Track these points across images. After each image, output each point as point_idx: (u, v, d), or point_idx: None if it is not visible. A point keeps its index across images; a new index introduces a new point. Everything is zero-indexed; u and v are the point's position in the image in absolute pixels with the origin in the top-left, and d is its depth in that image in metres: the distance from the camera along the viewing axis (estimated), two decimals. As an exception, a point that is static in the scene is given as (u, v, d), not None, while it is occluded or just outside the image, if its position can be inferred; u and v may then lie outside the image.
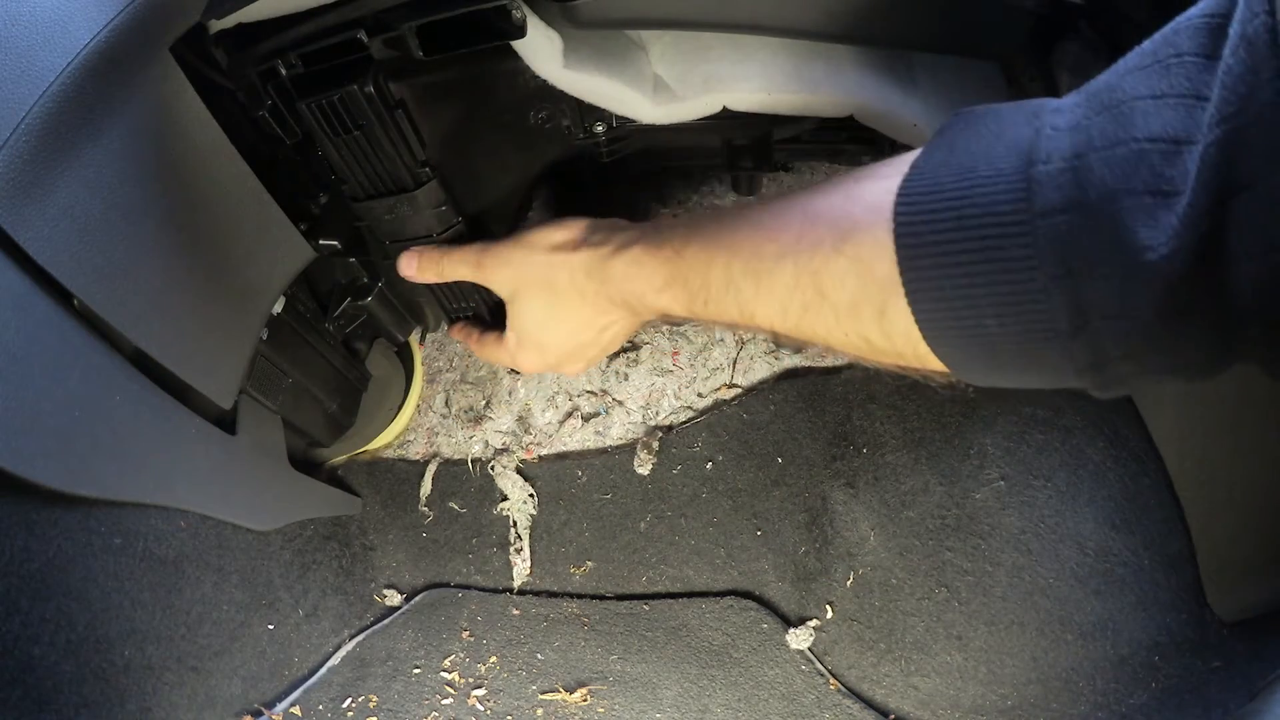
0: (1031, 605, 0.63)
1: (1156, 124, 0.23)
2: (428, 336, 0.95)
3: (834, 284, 0.31)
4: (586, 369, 0.54)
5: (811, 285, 0.32)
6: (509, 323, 0.50)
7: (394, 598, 0.86)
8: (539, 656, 0.77)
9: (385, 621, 0.83)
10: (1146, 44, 0.25)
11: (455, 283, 0.56)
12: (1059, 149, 0.25)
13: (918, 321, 0.28)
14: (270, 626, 0.69)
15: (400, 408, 0.89)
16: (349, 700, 0.74)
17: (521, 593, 0.84)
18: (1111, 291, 0.23)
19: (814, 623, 0.75)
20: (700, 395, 0.86)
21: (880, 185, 0.29)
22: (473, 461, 0.88)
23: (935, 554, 0.70)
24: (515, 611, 0.82)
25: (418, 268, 0.53)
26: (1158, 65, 0.24)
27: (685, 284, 0.38)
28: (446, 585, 0.86)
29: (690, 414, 0.86)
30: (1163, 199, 0.22)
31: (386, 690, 0.75)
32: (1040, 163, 0.25)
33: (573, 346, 0.49)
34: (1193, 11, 0.24)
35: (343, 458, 0.89)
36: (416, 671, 0.77)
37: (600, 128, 0.64)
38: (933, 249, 0.27)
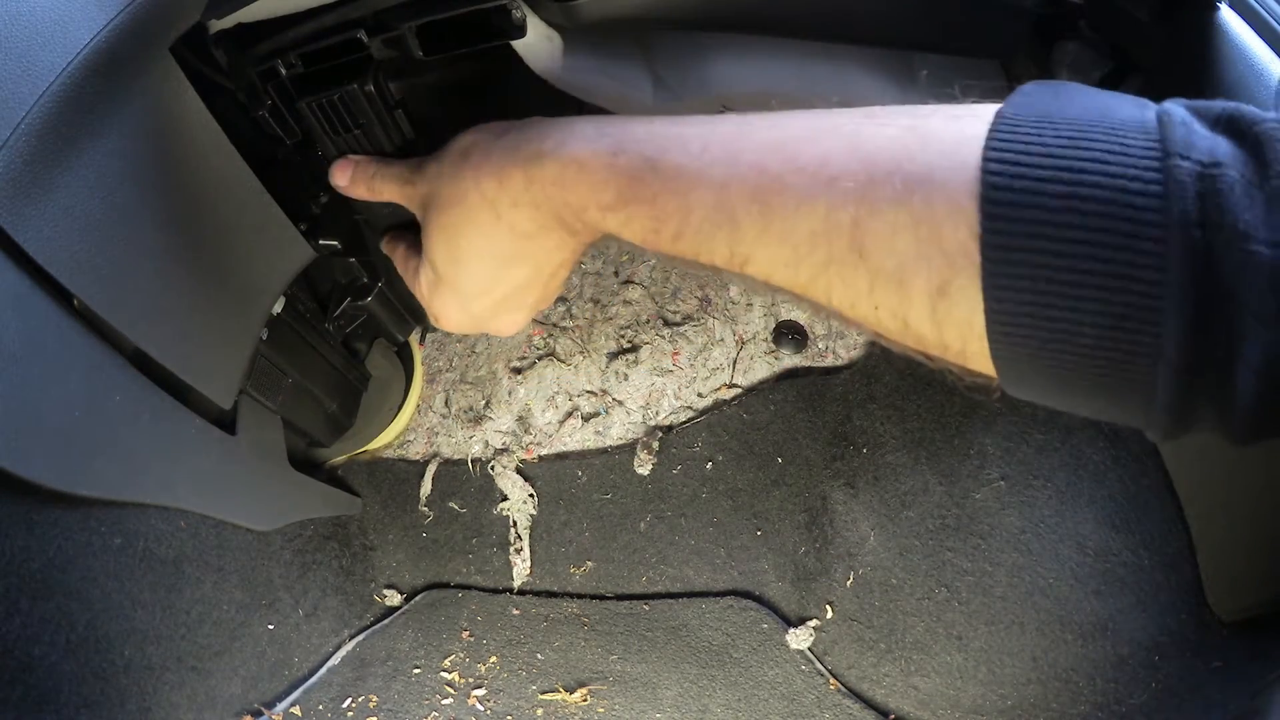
0: (1031, 605, 0.63)
1: None
2: (428, 336, 0.95)
3: (880, 243, 0.24)
4: (521, 325, 0.41)
5: (847, 238, 0.24)
6: (423, 254, 0.40)
7: (394, 598, 0.86)
8: (539, 656, 0.77)
9: (385, 621, 0.83)
10: None
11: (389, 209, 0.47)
12: (1203, 148, 0.20)
13: (989, 314, 0.22)
14: (270, 626, 0.69)
15: (400, 408, 0.89)
16: (349, 700, 0.74)
17: (521, 593, 0.84)
18: (1259, 342, 0.19)
19: (814, 623, 0.75)
20: (700, 395, 0.86)
21: (959, 127, 0.23)
22: (473, 461, 0.88)
23: (935, 554, 0.70)
24: (515, 611, 0.82)
25: (350, 178, 0.44)
26: None
27: (652, 205, 0.29)
28: (446, 585, 0.86)
29: (690, 414, 0.86)
30: None
31: (386, 690, 0.75)
32: (1179, 156, 0.20)
33: (490, 285, 0.37)
34: None
35: (343, 458, 0.89)
36: (416, 671, 0.77)
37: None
38: (1032, 228, 0.21)
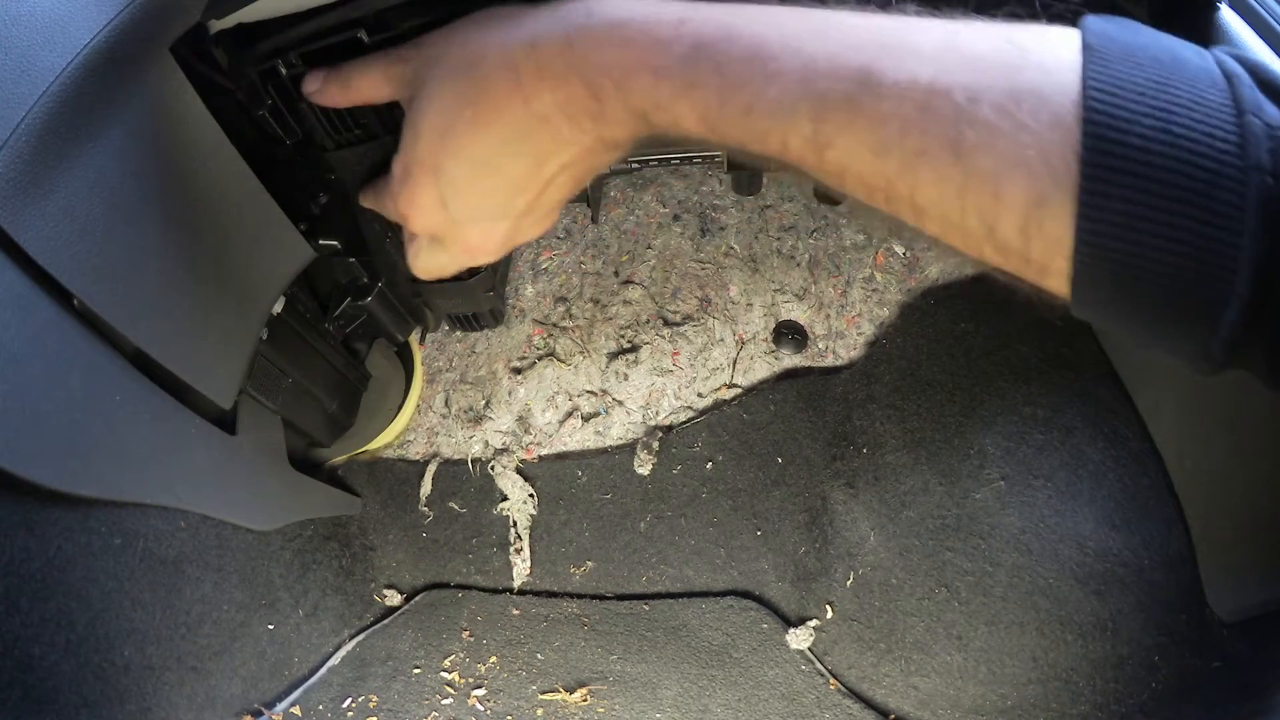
0: (1031, 605, 0.63)
1: None
2: (428, 336, 0.95)
3: (980, 145, 0.23)
4: (497, 242, 0.35)
5: (943, 134, 0.24)
6: (400, 143, 0.34)
7: (394, 598, 0.86)
8: (539, 656, 0.77)
9: (385, 621, 0.83)
10: None
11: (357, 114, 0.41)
12: (1270, 111, 0.22)
13: (1080, 234, 0.23)
14: (270, 626, 0.69)
15: (400, 408, 0.89)
16: (349, 700, 0.74)
17: (521, 593, 0.84)
18: None
19: (814, 623, 0.75)
20: (700, 395, 0.86)
21: (1053, 52, 0.24)
22: (473, 461, 0.88)
23: (935, 554, 0.70)
24: (515, 611, 0.82)
25: (322, 80, 0.40)
26: None
27: (721, 74, 0.26)
28: (446, 585, 0.86)
29: (690, 414, 0.86)
30: None
31: (386, 690, 0.75)
32: (1250, 113, 0.22)
33: (485, 170, 0.32)
34: None
35: (343, 458, 0.89)
36: (416, 671, 0.77)
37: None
38: (1129, 154, 0.22)
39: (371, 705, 0.74)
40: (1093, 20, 0.25)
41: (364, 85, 0.37)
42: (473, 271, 0.62)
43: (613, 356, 0.89)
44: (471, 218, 0.34)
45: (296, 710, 0.71)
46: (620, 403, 0.88)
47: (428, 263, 0.38)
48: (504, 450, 0.88)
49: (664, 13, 0.28)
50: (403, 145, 0.34)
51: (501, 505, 0.86)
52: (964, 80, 0.24)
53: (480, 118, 0.31)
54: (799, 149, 0.26)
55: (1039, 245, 0.24)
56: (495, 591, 0.85)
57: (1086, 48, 0.24)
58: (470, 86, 0.31)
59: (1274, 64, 0.25)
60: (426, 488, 0.88)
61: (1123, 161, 0.22)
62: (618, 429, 0.87)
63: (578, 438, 0.87)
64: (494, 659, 0.78)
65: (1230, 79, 0.23)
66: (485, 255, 0.36)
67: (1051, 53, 0.24)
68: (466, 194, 0.33)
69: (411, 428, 0.92)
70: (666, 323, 0.90)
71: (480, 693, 0.75)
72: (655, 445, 0.84)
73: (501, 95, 0.30)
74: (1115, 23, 0.25)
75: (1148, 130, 0.22)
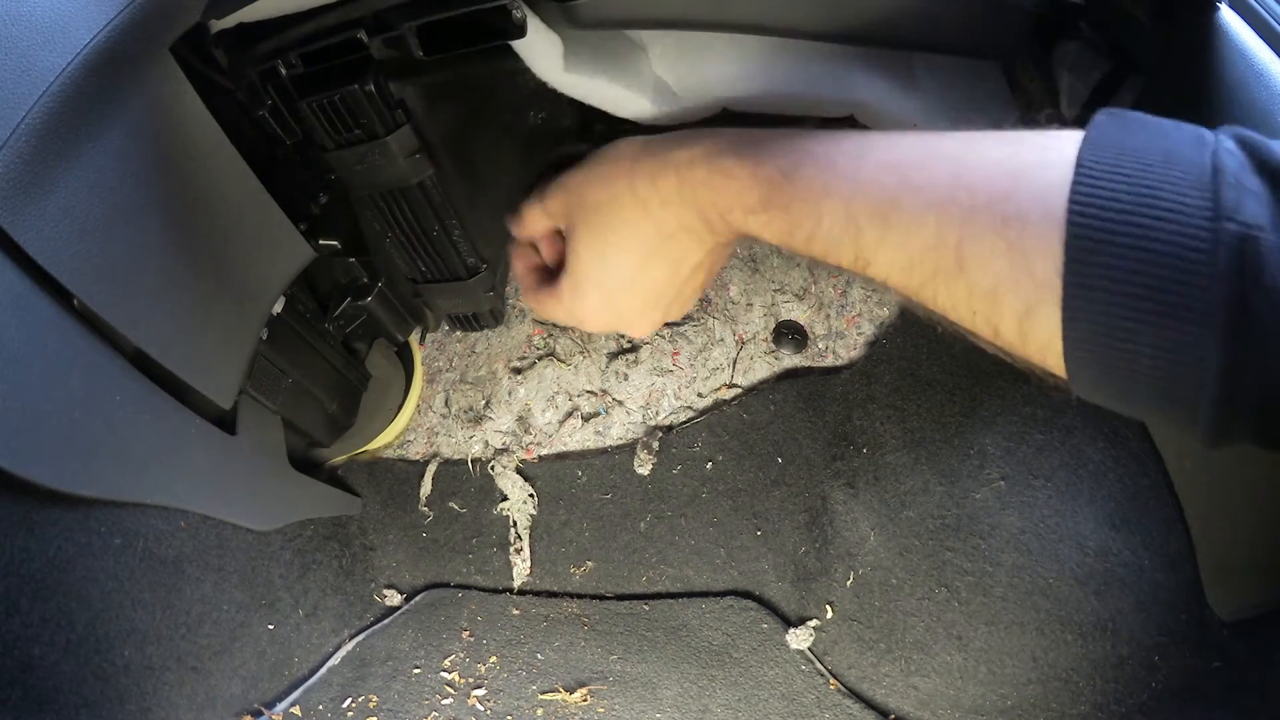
0: (1031, 605, 0.63)
1: None
2: (428, 336, 0.95)
3: (980, 263, 0.29)
4: (657, 325, 0.44)
5: (952, 254, 0.29)
6: (565, 264, 0.43)
7: (394, 598, 0.86)
8: (539, 656, 0.77)
9: (385, 621, 0.83)
10: None
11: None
12: (1250, 209, 0.24)
13: (1066, 339, 0.27)
14: (270, 626, 0.69)
15: (400, 408, 0.89)
16: (349, 700, 0.74)
17: (521, 593, 0.84)
18: (1272, 373, 0.24)
19: (814, 623, 0.75)
20: (700, 395, 0.86)
21: (1047, 176, 0.28)
22: (473, 461, 0.88)
23: (935, 554, 0.70)
24: (515, 611, 0.82)
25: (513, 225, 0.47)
26: None
27: (788, 212, 0.34)
28: (446, 585, 0.86)
29: (690, 414, 0.86)
30: None
31: (386, 690, 0.75)
32: (1227, 219, 0.24)
33: (636, 279, 0.41)
34: None
35: (343, 458, 0.89)
36: (416, 671, 0.77)
37: (600, 128, 0.64)
38: (1107, 272, 0.25)
39: (371, 705, 0.74)
40: (1099, 119, 0.28)
41: (530, 223, 0.45)
42: (472, 271, 0.62)
43: (613, 356, 0.89)
44: (634, 315, 0.43)
45: (296, 710, 0.71)
46: (620, 403, 0.88)
47: (589, 328, 0.47)
48: (504, 450, 0.88)
49: (744, 156, 0.35)
50: (569, 266, 0.42)
51: (501, 505, 0.86)
52: (966, 208, 0.29)
53: (624, 243, 0.40)
54: (850, 265, 0.33)
55: (1035, 346, 0.28)
56: (495, 591, 0.85)
57: (1079, 165, 0.27)
58: (613, 217, 0.39)
59: (1275, 142, 0.26)
60: (426, 488, 0.88)
61: (1099, 279, 0.26)
62: (618, 429, 0.87)
63: (578, 438, 0.87)
64: (494, 659, 0.78)
65: (1217, 175, 0.25)
66: (647, 333, 0.46)
67: (1044, 177, 0.28)
68: (626, 300, 0.42)
69: (411, 428, 0.92)
70: (666, 323, 0.90)
71: (480, 693, 0.75)
72: (655, 445, 0.84)
73: (637, 222, 0.39)
74: (1120, 122, 0.28)
75: (1124, 248, 0.25)
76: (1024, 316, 0.28)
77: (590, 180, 0.41)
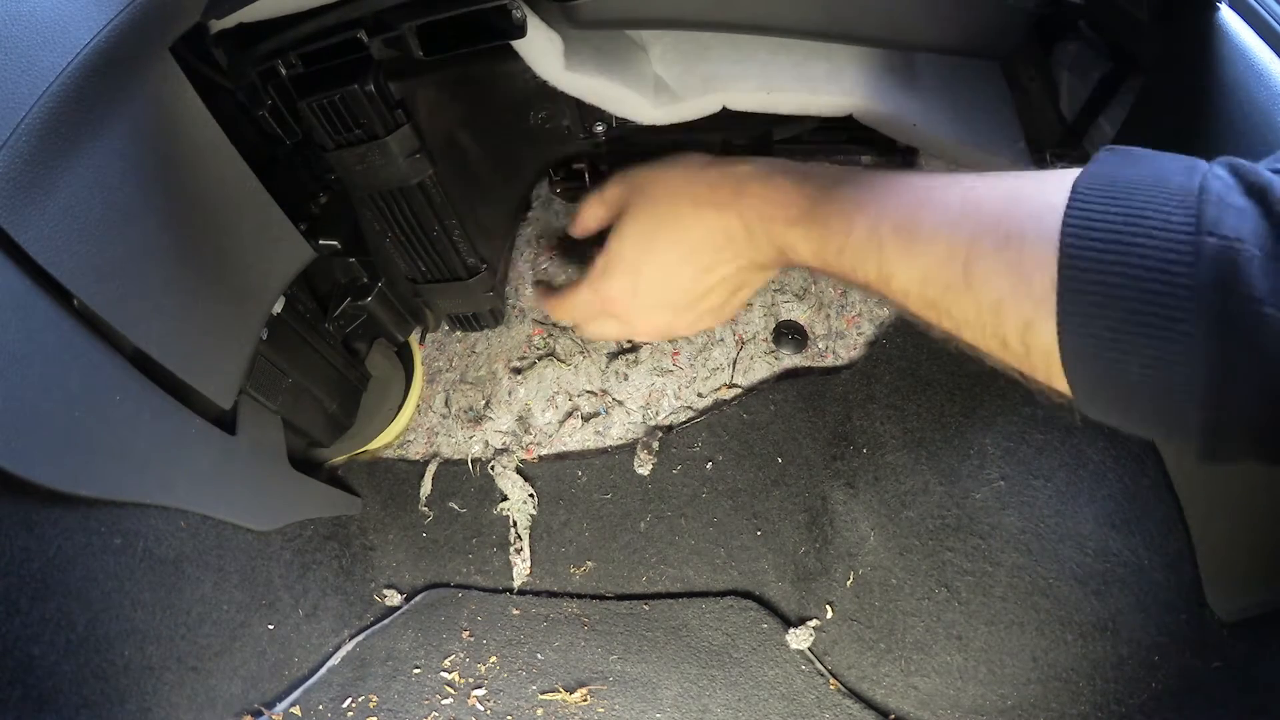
0: (1031, 605, 0.63)
1: None
2: (428, 336, 0.95)
3: (984, 279, 0.31)
4: (668, 326, 0.47)
5: (961, 270, 0.32)
6: (606, 247, 0.45)
7: (394, 598, 0.86)
8: (539, 656, 0.77)
9: (385, 621, 0.83)
10: None
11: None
12: (1231, 224, 0.26)
13: (1062, 349, 0.29)
14: (270, 626, 0.69)
15: (400, 408, 0.89)
16: (349, 700, 0.74)
17: (521, 593, 0.84)
18: (1257, 383, 0.25)
19: (814, 623, 0.75)
20: (700, 395, 0.86)
21: (1045, 199, 0.30)
22: (473, 461, 0.88)
23: (935, 554, 0.70)
24: (515, 611, 0.82)
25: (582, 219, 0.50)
26: None
27: (825, 225, 0.37)
28: (446, 585, 0.86)
29: (690, 414, 0.86)
30: None
31: (386, 690, 0.75)
32: (1208, 234, 0.26)
33: (669, 273, 0.43)
34: None
35: (343, 458, 0.89)
36: (416, 671, 0.77)
37: (600, 128, 0.64)
38: (1097, 286, 0.27)
39: (371, 705, 0.74)
40: (1099, 157, 0.30)
41: (589, 214, 0.48)
42: (472, 271, 0.62)
43: (612, 356, 0.89)
44: (651, 305, 0.45)
45: (296, 710, 0.71)
46: (620, 403, 0.88)
47: (598, 330, 0.49)
48: (504, 450, 0.88)
49: (791, 175, 0.39)
50: (609, 248, 0.45)
51: (501, 505, 0.86)
52: (973, 229, 0.32)
53: (671, 236, 0.43)
54: (874, 278, 0.36)
55: (1039, 359, 0.30)
56: (495, 591, 0.85)
57: (1074, 190, 0.29)
58: (669, 211, 0.43)
59: (1265, 169, 0.27)
60: (426, 488, 0.88)
61: (1091, 292, 0.27)
62: (618, 429, 0.87)
63: (578, 438, 0.87)
64: (494, 659, 0.78)
65: (1203, 195, 0.26)
66: (644, 335, 0.48)
67: (1044, 201, 0.30)
68: (653, 286, 0.44)
69: (411, 428, 0.92)
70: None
71: (480, 693, 0.75)
72: (655, 445, 0.84)
73: (691, 218, 0.42)
74: (1119, 156, 0.30)
75: (1112, 263, 0.27)
76: (1025, 330, 0.30)
77: (656, 178, 0.44)
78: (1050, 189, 0.30)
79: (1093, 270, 0.27)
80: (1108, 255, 0.27)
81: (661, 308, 0.45)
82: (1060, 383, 0.30)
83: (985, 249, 0.31)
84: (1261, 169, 0.27)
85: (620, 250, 0.44)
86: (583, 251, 0.47)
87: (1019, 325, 0.30)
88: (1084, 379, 0.29)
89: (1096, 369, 0.28)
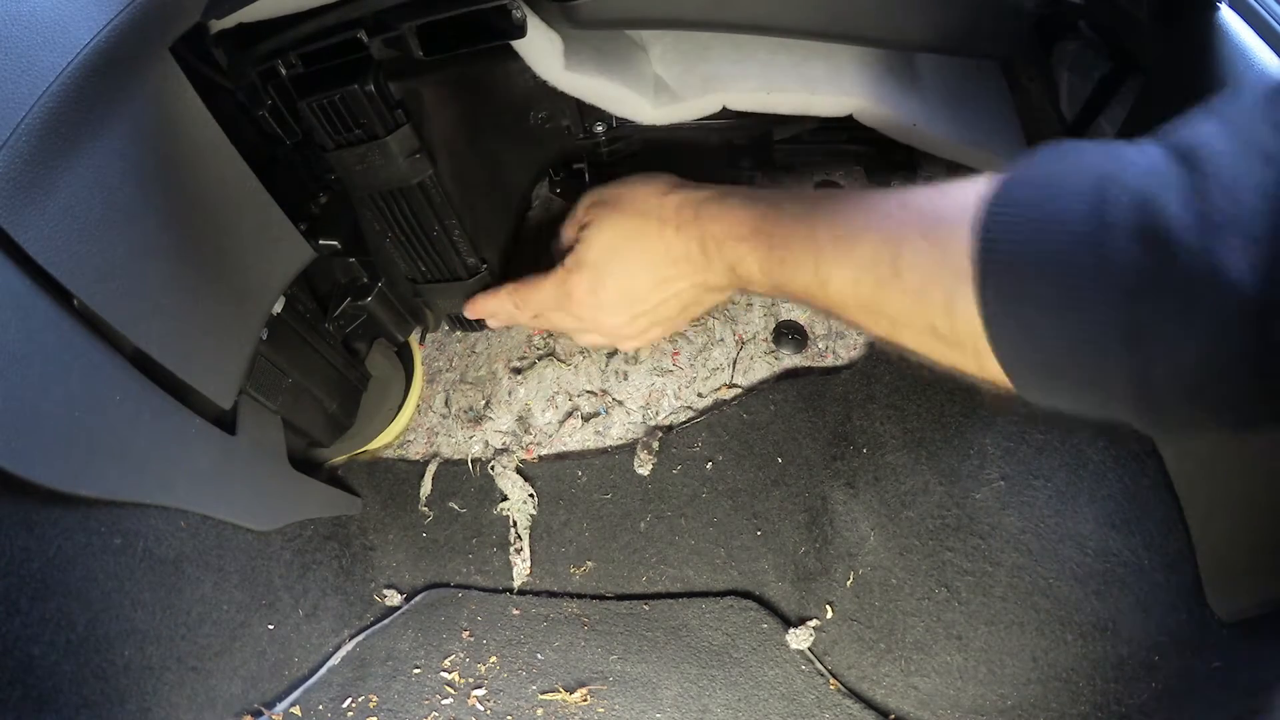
0: (1031, 605, 0.63)
1: (1247, 179, 0.24)
2: (428, 336, 0.95)
3: (910, 264, 0.32)
4: (624, 330, 0.50)
5: (889, 261, 0.33)
6: (574, 249, 0.49)
7: (394, 598, 0.86)
8: (539, 656, 0.77)
9: (385, 621, 0.83)
10: (1224, 103, 0.27)
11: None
12: (1135, 181, 0.26)
13: (981, 311, 0.29)
14: (270, 626, 0.69)
15: (400, 408, 0.89)
16: (349, 700, 0.74)
17: (521, 593, 0.84)
18: (1175, 320, 0.24)
19: (814, 623, 0.75)
20: (700, 395, 0.86)
21: (971, 190, 0.31)
22: (473, 461, 0.88)
23: (935, 554, 0.70)
24: (515, 611, 0.82)
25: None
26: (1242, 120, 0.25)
27: (769, 237, 0.40)
28: (446, 585, 0.86)
29: (690, 414, 0.86)
30: (1251, 243, 0.23)
31: (386, 690, 0.75)
32: (1114, 187, 0.26)
33: (630, 278, 0.47)
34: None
35: (343, 458, 0.89)
36: (416, 671, 0.77)
37: (600, 128, 0.64)
38: (1007, 248, 0.28)
39: (371, 705, 0.74)
40: (1034, 151, 0.31)
41: (568, 237, 0.51)
42: (472, 271, 0.62)
43: (612, 356, 0.89)
44: (608, 304, 0.48)
45: (296, 710, 0.71)
46: (620, 403, 0.88)
47: (554, 323, 0.54)
48: (504, 450, 0.88)
49: (743, 197, 0.43)
50: (578, 250, 0.48)
51: (501, 505, 0.86)
52: (900, 220, 0.34)
53: (638, 246, 0.46)
54: (814, 282, 0.38)
55: (965, 333, 0.31)
56: (495, 591, 0.85)
57: (1000, 179, 0.30)
58: (638, 224, 0.46)
59: (1201, 136, 0.27)
60: (426, 488, 0.88)
61: (1003, 257, 0.29)
62: (618, 429, 0.87)
63: (578, 438, 0.87)
64: (494, 659, 0.78)
65: (1118, 159, 0.27)
66: (595, 335, 0.51)
67: (966, 190, 0.31)
68: (611, 290, 0.48)
69: (411, 428, 0.92)
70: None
71: (480, 693, 0.75)
72: (655, 445, 0.84)
73: (654, 235, 0.46)
74: (1054, 150, 0.31)
75: (1023, 222, 0.28)
76: (949, 306, 0.31)
77: (625, 195, 0.48)
78: (981, 183, 0.31)
79: (1004, 234, 0.29)
80: (1018, 219, 0.28)
81: (617, 308, 0.48)
82: (992, 366, 0.31)
83: (913, 239, 0.33)
84: (1180, 129, 0.27)
85: (587, 253, 0.48)
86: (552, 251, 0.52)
87: (943, 304, 0.31)
88: (1007, 347, 0.30)
89: (1016, 334, 0.29)
